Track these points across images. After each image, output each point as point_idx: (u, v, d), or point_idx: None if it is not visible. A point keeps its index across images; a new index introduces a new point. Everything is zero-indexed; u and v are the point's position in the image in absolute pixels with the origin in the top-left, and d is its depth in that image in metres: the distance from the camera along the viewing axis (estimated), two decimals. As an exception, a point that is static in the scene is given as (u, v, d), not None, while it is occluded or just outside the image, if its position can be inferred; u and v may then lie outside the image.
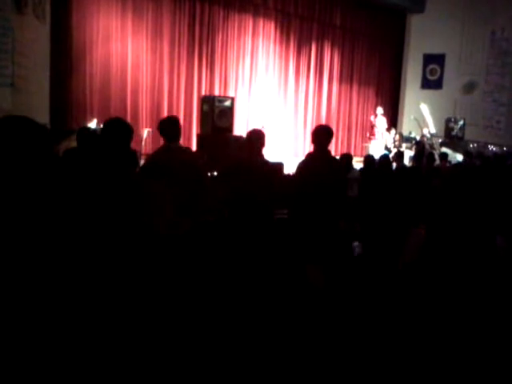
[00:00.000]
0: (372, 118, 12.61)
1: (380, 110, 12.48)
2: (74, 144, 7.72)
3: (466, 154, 8.27)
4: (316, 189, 3.82)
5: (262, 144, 3.96)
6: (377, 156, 6.63)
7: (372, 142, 12.23)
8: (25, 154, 1.53)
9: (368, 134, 12.68)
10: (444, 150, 11.05)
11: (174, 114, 10.37)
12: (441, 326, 1.82)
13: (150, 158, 3.97)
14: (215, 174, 5.13)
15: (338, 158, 5.56)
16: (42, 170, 1.58)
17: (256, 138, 3.96)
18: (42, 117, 7.69)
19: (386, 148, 11.92)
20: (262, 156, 4.00)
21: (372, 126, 12.49)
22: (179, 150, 3.87)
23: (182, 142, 10.10)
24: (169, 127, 3.92)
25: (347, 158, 6.09)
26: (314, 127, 4.20)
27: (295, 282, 2.56)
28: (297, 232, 3.76)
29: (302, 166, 4.11)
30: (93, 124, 8.06)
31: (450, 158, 8.80)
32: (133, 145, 8.18)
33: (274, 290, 2.55)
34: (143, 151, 8.85)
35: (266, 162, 4.07)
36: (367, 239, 3.97)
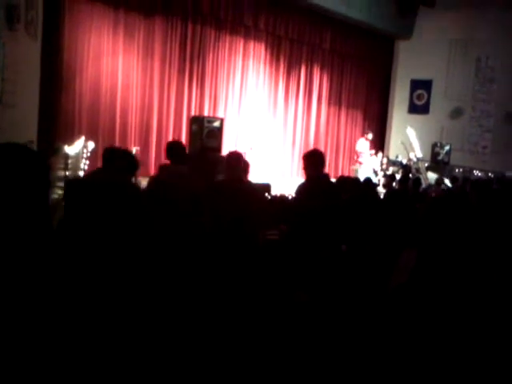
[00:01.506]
0: (362, 141, 12.60)
1: (370, 136, 12.56)
2: (60, 161, 7.73)
3: (451, 179, 8.37)
4: (315, 209, 3.85)
5: (241, 165, 3.99)
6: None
7: (361, 165, 12.32)
8: (23, 184, 1.51)
9: (356, 158, 12.74)
10: (430, 174, 11.16)
11: (163, 133, 10.42)
12: (431, 348, 1.82)
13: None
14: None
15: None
16: (39, 204, 1.56)
17: (235, 159, 3.99)
18: (30, 133, 7.66)
19: (374, 171, 12.01)
20: (241, 178, 4.02)
21: (359, 151, 12.56)
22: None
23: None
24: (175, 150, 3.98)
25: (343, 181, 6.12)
26: (306, 151, 4.25)
27: (281, 307, 2.55)
28: (292, 255, 3.77)
29: (303, 187, 4.14)
30: (80, 142, 8.04)
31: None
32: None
33: (257, 314, 2.54)
34: (131, 169, 8.81)
35: (248, 184, 4.09)
36: (353, 260, 3.99)
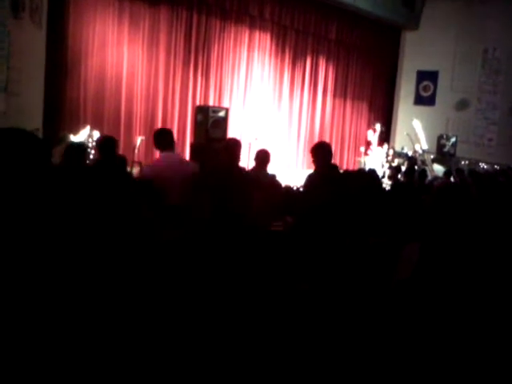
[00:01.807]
0: (370, 132, 12.71)
1: (378, 127, 12.63)
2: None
3: (456, 171, 8.33)
4: (323, 201, 3.85)
5: (238, 152, 4.00)
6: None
7: (367, 157, 12.35)
8: (22, 167, 1.52)
9: (365, 149, 12.79)
10: (436, 166, 11.13)
11: (168, 122, 10.40)
12: (434, 342, 1.82)
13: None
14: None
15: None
16: (38, 184, 1.57)
17: (233, 145, 4.01)
18: (35, 121, 7.66)
19: (382, 163, 12.03)
20: (237, 164, 4.03)
21: (368, 142, 12.64)
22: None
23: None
24: (162, 137, 3.98)
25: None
26: (313, 144, 4.25)
27: (284, 299, 2.55)
28: (299, 247, 3.77)
29: (311, 179, 4.14)
30: (86, 131, 8.04)
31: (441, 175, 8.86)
32: (126, 152, 8.21)
33: (258, 308, 2.54)
34: (136, 159, 8.82)
35: (245, 171, 4.10)
36: (356, 252, 3.98)
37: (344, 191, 4.05)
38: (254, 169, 4.36)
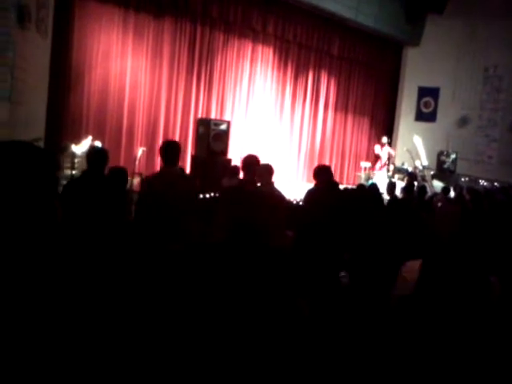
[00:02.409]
0: (378, 148, 12.79)
1: (385, 140, 12.71)
2: (66, 159, 7.77)
3: (455, 188, 8.35)
4: (323, 217, 3.88)
5: (256, 169, 4.02)
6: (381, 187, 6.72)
7: (376, 173, 12.40)
8: (29, 180, 1.53)
9: (371, 165, 12.87)
10: (436, 182, 11.15)
11: (170, 134, 10.45)
12: (432, 362, 1.82)
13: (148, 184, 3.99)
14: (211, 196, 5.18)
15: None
16: (43, 197, 1.58)
17: (251, 163, 4.03)
18: (38, 131, 7.70)
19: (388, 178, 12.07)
20: (255, 182, 4.05)
21: (377, 157, 12.71)
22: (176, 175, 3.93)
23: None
24: (168, 151, 3.96)
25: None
26: (315, 167, 4.33)
27: (285, 314, 2.56)
28: (299, 262, 3.78)
29: (311, 195, 4.18)
30: (87, 141, 8.07)
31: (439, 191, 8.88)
32: (127, 163, 8.24)
33: (262, 321, 2.55)
34: (137, 170, 8.85)
35: (262, 188, 4.12)
36: (355, 269, 3.99)
37: (344, 206, 4.07)
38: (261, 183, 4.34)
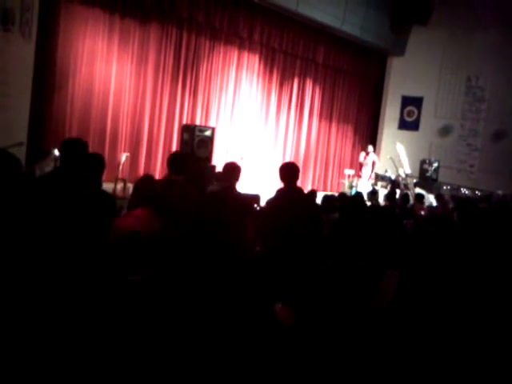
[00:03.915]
0: (363, 154, 12.95)
1: (371, 148, 12.86)
2: (49, 164, 7.69)
3: (437, 197, 8.44)
4: (287, 225, 3.84)
5: (237, 178, 4.02)
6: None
7: (360, 180, 12.51)
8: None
9: (355, 173, 13.00)
10: (418, 190, 11.25)
11: (154, 141, 10.42)
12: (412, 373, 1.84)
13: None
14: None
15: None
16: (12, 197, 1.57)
17: (232, 169, 4.02)
18: (21, 134, 7.63)
19: (372, 185, 12.17)
20: (235, 189, 4.05)
21: (361, 165, 12.83)
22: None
23: (160, 167, 10.08)
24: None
25: (328, 198, 6.13)
26: (281, 164, 4.23)
27: (262, 321, 2.55)
28: (267, 268, 3.76)
29: (273, 202, 4.13)
30: (71, 145, 7.99)
31: (424, 200, 8.95)
32: (110, 169, 8.15)
33: (237, 330, 2.54)
34: (120, 176, 8.80)
35: (240, 195, 4.11)
36: (338, 277, 3.99)
37: (307, 215, 4.04)
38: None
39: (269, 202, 4.17)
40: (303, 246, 3.81)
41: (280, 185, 4.30)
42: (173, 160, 4.18)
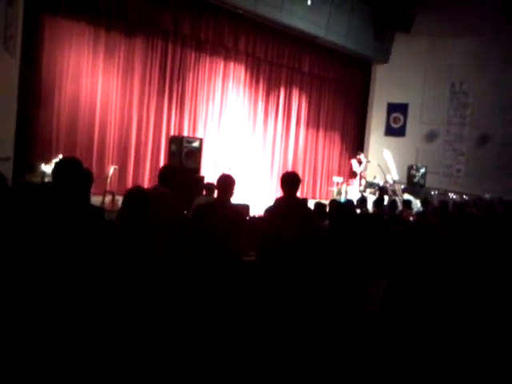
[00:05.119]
0: (355, 162, 13.00)
1: (363, 158, 12.95)
2: (36, 178, 7.64)
3: (423, 202, 8.49)
4: (285, 235, 3.86)
5: (232, 189, 4.05)
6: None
7: (350, 187, 12.57)
8: None
9: (346, 179, 13.08)
10: (406, 196, 11.32)
11: (142, 153, 10.41)
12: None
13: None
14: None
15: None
16: None
17: (228, 183, 4.05)
18: (7, 149, 7.58)
19: (360, 192, 12.22)
20: (230, 201, 4.07)
21: (355, 174, 12.90)
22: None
23: (148, 180, 10.03)
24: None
25: (320, 206, 6.14)
26: (282, 173, 4.28)
27: (261, 329, 2.56)
28: (265, 277, 3.77)
29: (271, 211, 4.15)
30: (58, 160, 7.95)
31: (412, 205, 9.00)
32: (98, 182, 8.08)
33: (236, 337, 2.54)
34: (108, 188, 8.76)
35: (233, 206, 4.13)
36: (328, 284, 4.00)
37: (305, 223, 4.06)
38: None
39: (268, 211, 4.20)
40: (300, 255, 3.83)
41: (273, 194, 4.34)
42: (164, 174, 4.31)
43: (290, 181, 4.10)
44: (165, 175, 4.38)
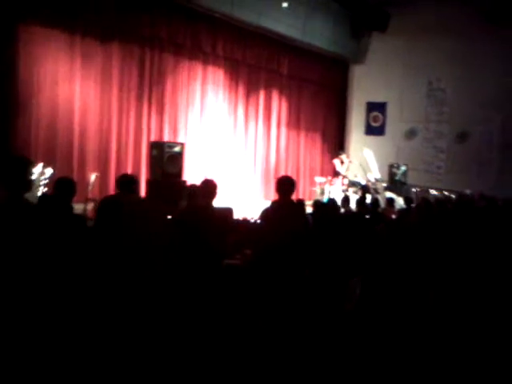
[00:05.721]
0: (337, 162, 13.08)
1: (345, 158, 13.03)
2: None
3: (405, 199, 8.55)
4: (281, 236, 3.92)
5: (215, 193, 4.09)
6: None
7: (332, 187, 12.63)
8: None
9: (330, 178, 13.14)
10: (388, 194, 11.41)
11: (123, 159, 10.34)
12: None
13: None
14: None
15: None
16: None
17: (211, 187, 4.09)
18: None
19: (343, 191, 12.27)
20: (212, 205, 4.10)
21: (338, 173, 12.97)
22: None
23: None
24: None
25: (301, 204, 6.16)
26: (277, 177, 4.40)
27: (247, 331, 2.56)
28: (260, 279, 3.80)
29: (268, 213, 4.23)
30: (37, 168, 7.87)
31: (395, 203, 9.06)
32: (79, 189, 8.01)
33: (220, 338, 2.54)
34: (90, 195, 8.69)
35: (216, 210, 4.15)
36: (314, 285, 4.02)
37: (301, 224, 4.12)
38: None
39: (263, 213, 4.29)
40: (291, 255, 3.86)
41: (255, 196, 4.39)
42: (123, 183, 4.34)
43: (285, 184, 4.23)
44: (129, 183, 4.39)
